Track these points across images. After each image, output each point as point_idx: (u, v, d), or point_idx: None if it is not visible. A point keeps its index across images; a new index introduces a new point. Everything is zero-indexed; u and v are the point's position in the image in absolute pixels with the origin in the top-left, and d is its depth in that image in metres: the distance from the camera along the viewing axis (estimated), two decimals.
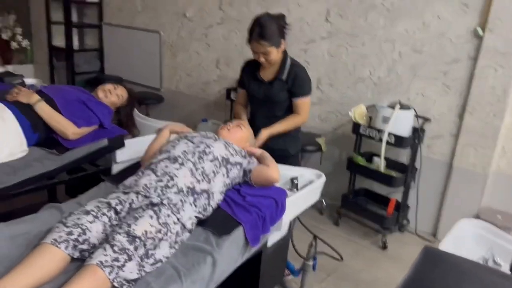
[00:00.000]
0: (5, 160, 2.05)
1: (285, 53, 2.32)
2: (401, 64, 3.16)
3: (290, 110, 2.41)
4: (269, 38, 2.15)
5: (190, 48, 4.33)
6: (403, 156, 3.20)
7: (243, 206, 1.71)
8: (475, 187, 2.95)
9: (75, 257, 1.38)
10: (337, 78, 3.48)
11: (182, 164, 1.67)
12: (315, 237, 2.29)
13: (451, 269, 1.27)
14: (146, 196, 1.56)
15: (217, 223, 1.63)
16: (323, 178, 2.23)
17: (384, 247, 3.00)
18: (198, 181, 1.65)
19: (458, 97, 2.96)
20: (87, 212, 1.47)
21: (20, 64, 5.23)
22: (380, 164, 3.01)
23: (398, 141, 2.87)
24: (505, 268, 1.65)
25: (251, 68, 2.40)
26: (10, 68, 4.95)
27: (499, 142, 2.87)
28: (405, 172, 3.01)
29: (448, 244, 1.68)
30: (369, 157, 3.22)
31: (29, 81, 3.33)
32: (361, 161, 3.12)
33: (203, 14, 4.15)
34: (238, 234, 1.63)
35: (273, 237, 1.98)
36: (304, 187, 2.13)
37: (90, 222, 1.44)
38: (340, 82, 3.47)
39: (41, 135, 2.24)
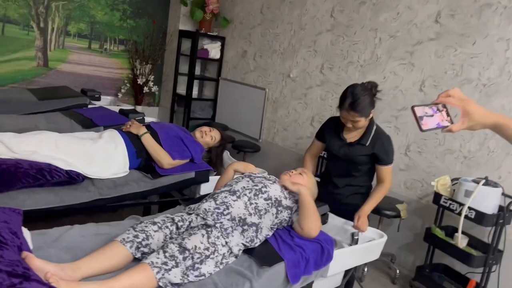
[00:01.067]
0: (110, 177, 2.50)
1: (371, 119, 2.43)
2: (494, 140, 3.05)
3: (365, 171, 2.48)
4: (360, 111, 2.24)
5: (290, 105, 4.67)
6: (487, 235, 3.00)
7: (289, 244, 1.85)
8: None
9: (136, 256, 1.65)
10: (426, 146, 3.46)
11: (239, 197, 1.89)
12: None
13: None
14: (203, 218, 1.80)
15: (262, 254, 1.79)
16: (384, 238, 2.26)
17: None
18: (250, 214, 1.85)
19: None
20: (154, 223, 1.75)
21: (147, 106, 6.11)
22: (460, 240, 2.87)
23: (479, 217, 2.73)
24: None
25: (335, 126, 2.52)
26: (139, 108, 5.83)
27: None
28: (487, 252, 2.82)
29: None
30: (451, 231, 3.08)
31: (148, 119, 3.94)
32: (440, 234, 3.01)
33: (305, 76, 4.49)
34: (279, 269, 1.76)
35: (320, 284, 2.05)
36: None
37: (154, 231, 1.72)
38: (429, 151, 3.44)
39: (142, 161, 2.68)
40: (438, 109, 1.36)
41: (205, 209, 1.85)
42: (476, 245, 2.92)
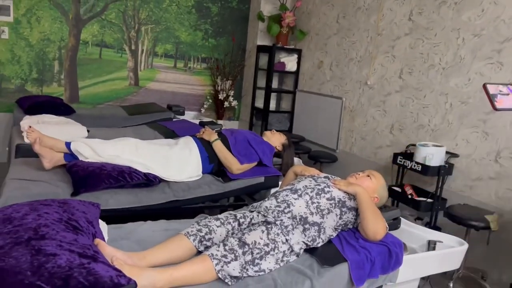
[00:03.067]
0: (184, 180, 2.62)
1: None
2: None
3: None
4: None
5: (368, 113, 4.53)
6: None
7: (354, 246, 1.79)
8: None
9: (200, 250, 1.71)
10: None
11: (300, 195, 1.88)
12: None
13: None
14: (264, 216, 1.81)
15: (324, 254, 1.75)
16: (465, 247, 2.09)
17: None
18: (312, 213, 1.82)
19: None
20: (217, 219, 1.81)
21: (228, 120, 6.33)
22: None
23: None
24: None
25: None
26: (220, 122, 6.06)
27: None
28: None
29: None
30: None
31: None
32: None
33: (383, 83, 4.35)
34: (342, 270, 1.71)
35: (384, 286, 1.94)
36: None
37: (217, 226, 1.77)
38: None
39: (215, 166, 2.78)
40: None
41: (266, 207, 1.86)
42: None
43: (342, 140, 4.90)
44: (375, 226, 1.81)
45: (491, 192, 3.33)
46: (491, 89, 1.27)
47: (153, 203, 2.48)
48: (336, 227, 1.88)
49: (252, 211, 1.89)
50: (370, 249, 1.76)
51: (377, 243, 1.80)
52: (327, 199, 1.89)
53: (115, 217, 2.25)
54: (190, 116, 5.30)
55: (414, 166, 3.56)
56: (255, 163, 2.82)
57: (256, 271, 1.60)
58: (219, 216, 1.83)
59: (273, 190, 2.81)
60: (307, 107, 5.46)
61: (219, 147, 2.76)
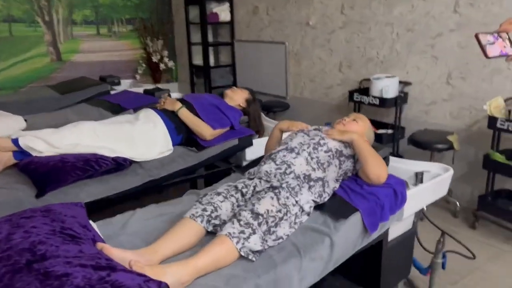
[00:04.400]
0: (155, 157, 2.43)
1: None
2: None
3: None
4: None
5: (313, 55, 4.48)
6: None
7: (361, 193, 1.76)
8: None
9: (209, 230, 1.59)
10: (469, 71, 3.26)
11: (298, 153, 1.79)
12: (443, 233, 2.19)
13: None
14: (267, 181, 1.72)
15: (334, 208, 1.70)
16: (451, 172, 2.14)
17: None
18: (314, 169, 1.76)
19: None
20: (219, 194, 1.68)
21: (167, 83, 6.00)
22: None
23: None
24: None
25: None
26: (159, 86, 5.73)
27: None
28: None
29: None
30: (510, 154, 2.94)
31: (174, 95, 3.84)
32: (500, 158, 2.86)
33: (326, 21, 4.27)
34: (355, 220, 1.68)
35: (395, 229, 1.97)
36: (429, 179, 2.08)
37: (221, 201, 1.65)
38: (474, 75, 3.24)
39: (183, 136, 2.59)
40: (500, 36, 1.36)
41: (267, 171, 1.76)
42: None
43: (291, 85, 4.84)
44: (377, 169, 1.79)
45: (446, 113, 3.47)
46: (483, 39, 1.32)
47: (128, 187, 2.28)
48: (337, 178, 1.83)
49: (251, 179, 1.78)
50: (377, 194, 1.74)
51: (382, 186, 1.79)
52: (325, 151, 1.82)
53: (90, 210, 2.03)
54: (126, 85, 4.92)
55: (372, 100, 3.61)
56: (228, 128, 2.68)
57: (274, 240, 1.53)
58: (219, 190, 1.70)
59: (247, 150, 2.70)
60: (249, 57, 5.29)
61: (186, 115, 2.57)
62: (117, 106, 3.41)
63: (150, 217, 1.76)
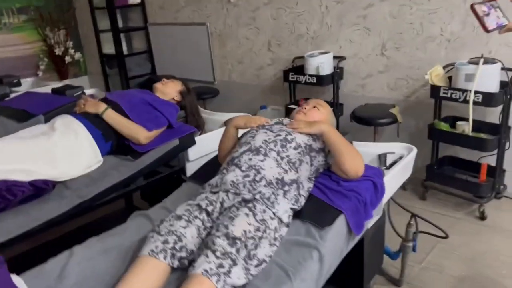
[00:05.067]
0: (83, 173, 2.02)
1: None
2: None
3: None
4: None
5: (239, 35, 4.19)
6: (490, 115, 2.89)
7: (339, 191, 1.55)
8: None
9: (174, 266, 1.29)
10: (403, 40, 3.20)
11: (265, 154, 1.53)
12: (413, 215, 2.08)
13: None
14: (236, 194, 1.44)
15: (315, 213, 1.48)
16: (414, 151, 2.02)
17: (482, 217, 2.73)
18: (286, 171, 1.51)
19: None
20: (179, 217, 1.37)
21: (75, 78, 5.35)
22: (468, 127, 2.74)
23: (487, 99, 2.57)
24: None
25: None
26: (67, 82, 5.08)
27: None
28: (496, 133, 2.71)
29: None
30: (452, 122, 2.94)
31: (88, 91, 3.34)
32: (445, 127, 2.85)
33: None
34: (340, 223, 1.47)
35: (371, 221, 1.81)
36: (395, 164, 1.94)
37: (184, 227, 1.34)
38: (407, 44, 3.19)
39: (113, 143, 2.20)
40: (492, 6, 1.23)
41: (233, 181, 1.47)
42: (481, 128, 2.79)
43: (217, 69, 4.52)
44: (354, 161, 1.58)
45: (383, 85, 3.41)
46: (479, 10, 1.14)
47: (54, 215, 1.86)
48: (310, 176, 1.61)
49: (215, 192, 1.49)
50: (357, 190, 1.55)
51: (360, 180, 1.60)
52: (294, 148, 1.58)
53: (10, 256, 1.62)
54: (27, 84, 4.26)
55: (309, 79, 3.43)
56: (165, 128, 2.32)
57: (257, 265, 1.27)
58: (179, 213, 1.39)
59: (190, 150, 2.38)
60: (167, 42, 4.85)
61: (114, 117, 2.17)
62: (22, 112, 2.85)
63: (92, 256, 1.41)
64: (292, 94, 3.74)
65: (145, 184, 2.32)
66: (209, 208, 1.42)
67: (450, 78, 2.85)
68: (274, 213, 1.39)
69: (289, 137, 1.61)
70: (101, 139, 2.13)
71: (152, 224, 1.55)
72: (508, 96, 2.62)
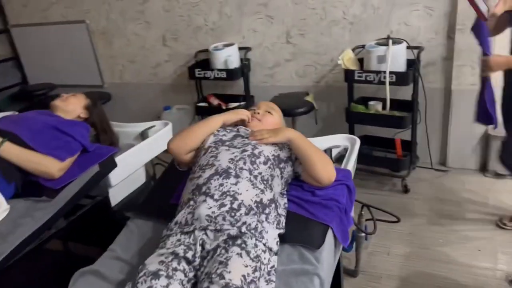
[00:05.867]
0: None
1: None
2: None
3: None
4: None
5: (127, 31, 3.77)
6: (398, 92, 3.03)
7: (319, 203, 1.42)
8: None
9: None
10: (307, 26, 3.18)
11: (237, 176, 1.32)
12: (363, 205, 2.06)
13: None
14: (217, 230, 1.21)
15: (302, 233, 1.33)
16: (358, 142, 1.98)
17: (406, 190, 2.87)
18: (262, 191, 1.32)
19: (444, 18, 2.80)
20: (155, 275, 1.10)
21: None
22: (380, 106, 2.84)
23: (400, 79, 2.66)
24: None
25: None
26: None
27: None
28: (409, 110, 2.85)
29: None
30: (362, 102, 3.03)
31: None
32: (362, 109, 2.92)
33: None
34: (329, 239, 1.35)
35: None
36: (345, 158, 1.88)
37: (166, 287, 1.08)
38: (312, 30, 3.17)
39: (17, 184, 1.76)
40: None
41: (208, 215, 1.24)
42: (392, 106, 2.90)
43: (106, 71, 4.04)
44: (326, 167, 1.46)
45: (291, 73, 3.37)
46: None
47: None
48: (282, 191, 1.44)
49: (187, 232, 1.23)
50: (335, 197, 1.43)
51: (334, 185, 1.48)
52: (264, 163, 1.40)
53: None
54: None
55: (218, 74, 3.23)
56: (79, 153, 1.93)
57: None
58: (152, 268, 1.10)
59: (112, 175, 2.03)
60: (38, 45, 4.17)
61: (14, 152, 1.72)
62: None
63: None
64: (199, 91, 3.51)
65: (68, 224, 1.92)
66: (189, 255, 1.17)
67: (359, 60, 2.91)
68: (264, 244, 1.21)
69: (256, 151, 1.42)
70: (1, 182, 1.69)
71: (109, 283, 1.25)
72: (416, 74, 2.75)
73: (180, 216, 1.29)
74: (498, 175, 2.91)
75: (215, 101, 3.43)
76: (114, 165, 2.03)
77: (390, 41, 2.68)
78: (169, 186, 1.64)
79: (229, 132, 1.56)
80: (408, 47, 2.76)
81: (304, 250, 1.28)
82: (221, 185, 1.30)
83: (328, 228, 1.34)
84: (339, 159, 2.00)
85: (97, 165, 1.94)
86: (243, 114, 1.62)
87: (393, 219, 2.12)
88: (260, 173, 1.36)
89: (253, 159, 1.38)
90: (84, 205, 2.00)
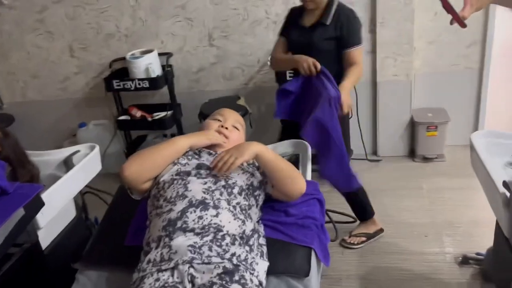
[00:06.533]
0: None
1: None
2: None
3: (336, 62, 2.05)
4: None
5: (25, 43, 3.33)
6: None
7: (295, 223, 1.32)
8: (403, 95, 3.00)
9: None
10: (229, 27, 3.05)
11: (216, 207, 1.17)
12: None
13: None
14: (205, 263, 1.05)
15: (285, 261, 1.22)
16: (309, 148, 1.92)
17: None
18: (243, 221, 1.19)
19: (365, 12, 2.85)
20: None
21: None
22: None
23: None
24: None
25: (294, 15, 2.15)
26: None
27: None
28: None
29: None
30: None
31: None
32: None
33: None
34: (313, 262, 1.26)
35: None
36: (300, 167, 1.82)
37: None
38: (236, 31, 3.06)
39: None
40: None
41: (191, 245, 1.08)
42: None
43: (3, 89, 3.54)
44: (297, 181, 1.35)
45: (218, 77, 3.24)
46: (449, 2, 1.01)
47: None
48: (258, 219, 1.31)
49: (167, 269, 1.04)
50: (310, 214, 1.34)
51: (306, 201, 1.38)
52: (239, 193, 1.25)
53: None
54: None
55: (140, 84, 2.99)
56: None
57: None
58: None
59: (39, 216, 1.74)
60: None
61: None
62: None
63: None
64: (118, 103, 3.22)
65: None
66: None
67: None
68: (257, 277, 1.09)
69: (230, 182, 1.26)
70: None
71: None
72: None
73: (153, 255, 1.11)
74: (426, 159, 3.06)
75: (138, 113, 3.17)
76: (41, 204, 1.74)
77: None
78: (118, 225, 1.42)
79: (190, 160, 1.37)
80: None
81: (291, 280, 1.18)
82: (200, 218, 1.14)
83: (310, 250, 1.25)
84: None
85: (21, 208, 1.65)
86: (217, 139, 1.43)
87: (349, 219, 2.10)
88: (238, 203, 1.22)
89: (229, 190, 1.24)
90: (12, 254, 1.69)
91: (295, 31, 2.11)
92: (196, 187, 1.22)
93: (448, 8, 0.97)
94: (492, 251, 1.88)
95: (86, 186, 2.21)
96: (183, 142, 1.38)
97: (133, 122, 3.15)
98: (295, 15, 2.15)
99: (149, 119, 3.12)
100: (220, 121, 1.51)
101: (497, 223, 1.71)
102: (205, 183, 1.25)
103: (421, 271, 2.14)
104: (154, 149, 1.35)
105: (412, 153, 3.16)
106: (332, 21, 2.00)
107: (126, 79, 3.00)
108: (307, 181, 1.49)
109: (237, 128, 1.52)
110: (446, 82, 3.02)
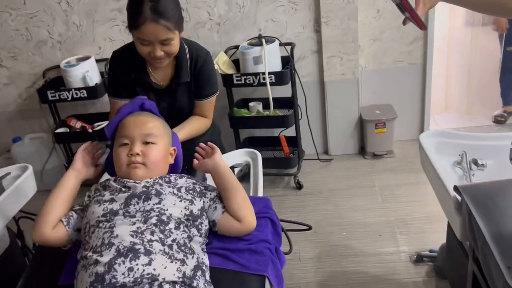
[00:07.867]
0: None
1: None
2: None
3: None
4: (170, 16, 1.42)
5: None
6: (274, 90, 2.97)
7: (247, 249, 1.23)
8: (351, 94, 2.99)
9: None
10: None
11: (148, 252, 1.05)
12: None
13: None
14: None
15: None
16: (259, 157, 1.86)
17: (300, 186, 2.87)
18: (183, 261, 1.08)
19: (308, 11, 2.81)
20: None
21: None
22: (260, 107, 2.77)
23: (279, 78, 2.60)
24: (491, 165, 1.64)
25: (129, 69, 1.60)
26: None
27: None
28: (289, 107, 2.82)
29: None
30: (243, 104, 2.93)
31: None
32: (245, 112, 2.80)
33: None
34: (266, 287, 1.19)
35: None
36: (252, 177, 1.75)
37: None
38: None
39: None
40: None
41: None
42: (275, 105, 2.84)
43: None
44: (247, 203, 1.27)
45: None
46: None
47: None
48: (202, 247, 1.21)
49: None
50: (263, 237, 1.25)
51: (258, 221, 1.29)
52: (176, 227, 1.13)
53: None
54: None
55: (77, 94, 2.79)
56: None
57: None
58: None
59: None
60: None
61: None
62: None
63: None
64: (55, 115, 3.00)
65: None
66: None
67: (234, 62, 2.78)
68: None
69: (163, 217, 1.13)
70: None
71: None
72: (293, 71, 2.72)
73: None
74: (376, 156, 3.09)
75: (77, 124, 2.98)
76: None
77: (263, 41, 2.59)
78: (50, 265, 1.28)
79: (118, 193, 1.21)
80: (281, 44, 2.71)
81: None
82: (131, 270, 1.01)
83: (264, 278, 1.18)
84: (243, 177, 1.87)
85: None
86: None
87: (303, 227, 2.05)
88: (174, 240, 1.10)
89: (161, 227, 1.12)
90: None
91: (147, 96, 1.58)
92: (123, 231, 1.09)
93: (409, 9, 0.92)
94: (445, 248, 1.90)
95: (20, 210, 2.03)
96: (67, 177, 1.31)
97: (72, 134, 2.95)
98: (129, 67, 1.60)
99: (90, 130, 2.93)
100: (128, 144, 1.28)
101: (448, 223, 1.72)
102: (134, 223, 1.11)
103: (378, 272, 2.14)
104: (47, 201, 1.23)
105: (362, 151, 3.17)
106: (191, 74, 1.63)
107: (62, 89, 2.79)
108: (256, 197, 1.41)
109: (150, 143, 1.28)
110: (392, 79, 3.04)
